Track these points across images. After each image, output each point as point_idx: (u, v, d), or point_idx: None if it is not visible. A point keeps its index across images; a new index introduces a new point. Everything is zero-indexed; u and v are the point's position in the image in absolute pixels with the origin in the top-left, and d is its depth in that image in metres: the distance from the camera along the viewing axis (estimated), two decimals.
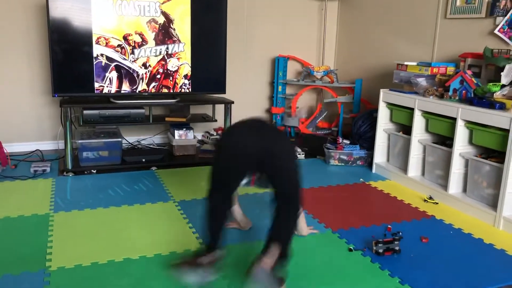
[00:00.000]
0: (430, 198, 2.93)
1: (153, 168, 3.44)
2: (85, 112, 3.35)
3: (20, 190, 2.91)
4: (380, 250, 2.16)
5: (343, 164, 3.63)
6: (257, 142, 1.91)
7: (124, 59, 3.38)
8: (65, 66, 3.26)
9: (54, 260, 2.04)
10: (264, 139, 1.93)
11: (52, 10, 3.14)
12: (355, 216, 2.65)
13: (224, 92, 3.70)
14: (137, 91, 3.48)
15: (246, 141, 1.92)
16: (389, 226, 2.49)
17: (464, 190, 2.84)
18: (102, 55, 3.32)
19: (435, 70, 3.12)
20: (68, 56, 3.25)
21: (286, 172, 1.98)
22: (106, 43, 3.31)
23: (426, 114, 3.03)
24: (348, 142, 3.74)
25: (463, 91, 2.83)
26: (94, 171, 3.30)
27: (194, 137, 3.84)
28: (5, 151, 3.32)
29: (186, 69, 3.57)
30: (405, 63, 3.30)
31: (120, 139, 3.42)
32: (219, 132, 4.21)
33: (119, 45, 3.34)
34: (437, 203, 2.87)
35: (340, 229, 2.46)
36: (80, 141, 3.29)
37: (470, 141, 2.77)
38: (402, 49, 3.80)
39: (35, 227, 2.38)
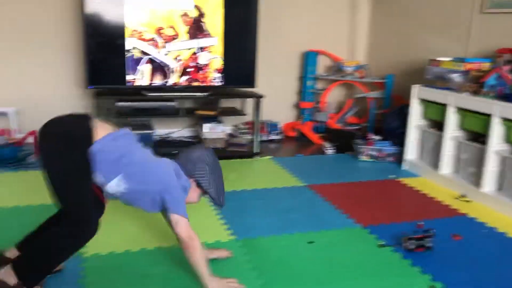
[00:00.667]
0: (463, 196, 2.88)
1: None
2: (117, 104, 3.42)
3: None
4: (412, 247, 2.14)
5: (373, 160, 3.60)
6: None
7: (157, 52, 3.43)
8: (99, 59, 3.33)
9: (89, 247, 2.09)
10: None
11: (87, 4, 3.21)
12: (385, 212, 2.63)
13: (254, 86, 3.72)
14: (168, 84, 3.52)
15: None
16: (420, 223, 2.45)
17: (499, 188, 2.77)
18: (135, 48, 3.37)
19: (469, 66, 3.05)
20: (102, 49, 3.32)
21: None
22: (139, 36, 3.36)
23: (460, 110, 2.97)
24: (378, 138, 3.70)
25: (500, 88, 2.76)
26: None
27: (223, 130, 3.87)
28: None
29: (217, 63, 3.60)
30: (439, 58, 3.23)
31: (151, 131, 3.48)
32: (248, 126, 4.23)
33: (152, 39, 3.39)
34: (470, 201, 2.82)
35: (370, 224, 2.44)
36: None
37: (506, 139, 2.70)
38: (435, 44, 3.73)
39: None
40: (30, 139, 3.39)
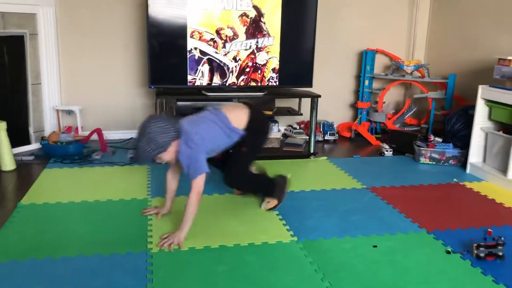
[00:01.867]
0: None
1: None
2: (178, 103, 3.49)
3: (119, 175, 3.10)
4: (482, 254, 2.05)
5: (434, 163, 3.49)
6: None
7: (216, 52, 3.47)
8: (161, 59, 3.41)
9: (155, 243, 2.15)
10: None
11: (151, 5, 3.29)
12: (450, 217, 2.54)
13: (311, 86, 3.69)
14: (227, 84, 3.56)
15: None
16: (489, 229, 2.36)
17: None
18: (195, 48, 3.43)
19: None
20: (164, 49, 3.40)
21: None
22: (200, 37, 3.42)
23: None
24: (440, 140, 3.58)
25: None
26: None
27: (279, 130, 3.87)
28: (104, 138, 3.55)
29: (274, 63, 3.60)
30: (509, 57, 3.09)
31: None
32: (302, 126, 4.21)
33: (211, 39, 3.43)
34: None
35: (436, 230, 2.37)
36: None
37: None
38: (504, 43, 3.56)
39: (136, 210, 2.53)
40: (95, 137, 3.52)
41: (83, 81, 3.87)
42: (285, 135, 4.16)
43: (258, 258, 2.05)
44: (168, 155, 2.21)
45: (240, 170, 2.46)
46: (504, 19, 3.56)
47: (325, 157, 3.65)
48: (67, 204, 2.59)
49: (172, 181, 2.49)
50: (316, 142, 4.07)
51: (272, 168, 3.33)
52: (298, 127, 4.20)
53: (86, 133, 3.62)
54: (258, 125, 2.47)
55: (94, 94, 3.91)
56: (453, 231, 2.36)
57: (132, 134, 4.00)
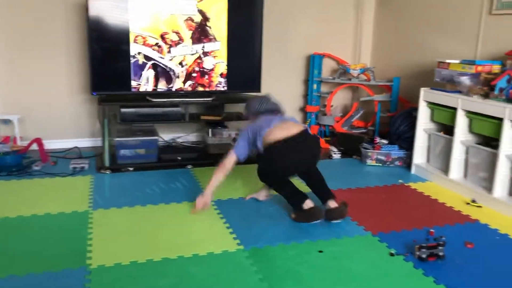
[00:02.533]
0: (473, 201, 2.83)
1: (189, 167, 3.44)
2: (122, 110, 3.38)
3: (60, 186, 2.96)
4: (424, 256, 2.09)
5: (380, 164, 3.55)
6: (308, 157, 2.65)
7: (161, 57, 3.39)
8: (103, 65, 3.30)
9: (94, 258, 2.06)
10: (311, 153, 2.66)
11: (92, 9, 3.18)
12: (395, 219, 2.58)
13: (259, 90, 3.68)
14: (173, 90, 3.49)
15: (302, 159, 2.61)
16: (431, 230, 2.41)
17: (510, 193, 2.72)
18: (139, 53, 3.34)
19: (479, 68, 3.00)
20: (106, 54, 3.29)
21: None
22: (144, 42, 3.33)
23: (470, 114, 2.92)
24: (385, 142, 3.65)
25: (510, 90, 2.71)
26: (131, 169, 3.33)
27: (229, 135, 3.83)
28: (45, 148, 3.39)
29: (222, 68, 3.56)
30: (447, 61, 3.18)
31: (156, 137, 3.44)
32: None
33: (156, 44, 3.35)
34: (481, 207, 2.77)
35: (380, 232, 2.39)
36: (117, 139, 3.33)
37: None
38: (443, 47, 3.68)
39: (75, 224, 2.42)
40: (34, 147, 3.36)
41: (22, 89, 3.69)
42: (235, 140, 4.11)
43: (202, 270, 2.00)
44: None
45: (259, 167, 2.67)
46: (443, 23, 3.67)
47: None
48: (0, 220, 2.44)
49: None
50: None
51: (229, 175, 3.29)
52: None
53: (25, 143, 3.45)
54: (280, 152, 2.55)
55: (34, 102, 3.73)
56: (398, 233, 2.40)
57: (76, 142, 3.86)
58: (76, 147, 3.81)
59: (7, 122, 3.61)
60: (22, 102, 3.70)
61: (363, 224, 2.49)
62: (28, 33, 3.61)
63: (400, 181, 3.21)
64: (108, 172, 3.26)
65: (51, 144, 3.75)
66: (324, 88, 4.48)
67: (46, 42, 3.66)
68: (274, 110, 2.78)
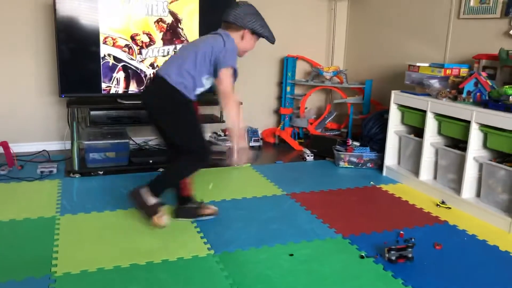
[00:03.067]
0: (443, 202, 2.87)
1: (160, 170, 3.39)
2: (92, 113, 3.32)
3: (26, 191, 2.88)
4: (393, 258, 2.10)
5: (353, 166, 3.57)
6: (143, 99, 2.41)
7: (132, 59, 3.34)
8: (72, 66, 3.23)
9: (59, 265, 2.01)
10: (144, 96, 2.44)
11: (60, 9, 3.10)
12: (366, 221, 2.59)
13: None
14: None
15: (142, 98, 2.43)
16: (401, 232, 2.43)
17: (478, 194, 2.77)
18: (109, 55, 3.28)
19: (448, 71, 3.05)
20: (75, 56, 3.22)
21: (165, 126, 2.34)
22: (114, 43, 3.27)
23: (439, 116, 2.96)
24: (358, 144, 3.68)
25: (478, 94, 2.77)
26: (101, 173, 3.27)
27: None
28: (11, 152, 3.29)
29: None
30: (417, 64, 3.23)
31: (127, 140, 3.39)
32: (227, 133, 4.16)
33: (126, 45, 3.30)
34: (450, 208, 2.81)
35: (351, 234, 2.40)
36: (87, 142, 3.26)
37: (485, 145, 2.70)
38: (414, 50, 3.74)
39: (41, 230, 2.35)
40: (0, 150, 3.26)
41: None
42: (209, 143, 4.09)
43: (172, 276, 1.96)
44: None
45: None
46: (414, 27, 3.73)
47: (249, 164, 3.62)
48: None
49: None
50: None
51: (196, 177, 3.25)
52: (223, 134, 4.15)
53: None
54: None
55: (1, 104, 3.63)
56: (368, 235, 2.41)
57: (44, 146, 3.76)
58: (44, 150, 3.71)
59: None
60: None
61: (334, 226, 2.50)
62: None
63: (372, 183, 3.24)
64: (77, 176, 3.19)
65: (18, 148, 3.65)
66: (297, 91, 4.49)
67: (13, 43, 3.56)
68: None
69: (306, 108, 4.38)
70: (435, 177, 3.10)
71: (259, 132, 4.30)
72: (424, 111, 3.03)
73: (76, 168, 3.22)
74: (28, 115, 3.73)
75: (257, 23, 2.40)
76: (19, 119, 3.70)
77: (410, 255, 2.12)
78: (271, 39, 2.52)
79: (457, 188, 2.85)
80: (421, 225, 2.56)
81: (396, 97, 3.28)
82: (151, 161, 3.46)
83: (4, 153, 3.26)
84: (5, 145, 3.25)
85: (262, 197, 2.91)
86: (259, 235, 2.38)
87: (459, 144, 2.96)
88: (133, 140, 3.88)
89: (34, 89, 3.70)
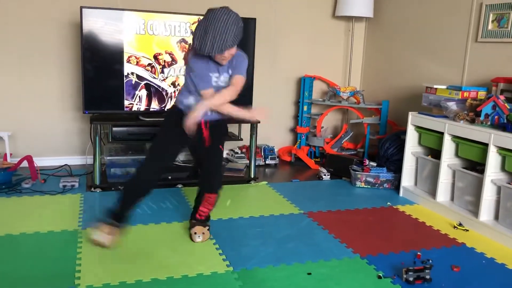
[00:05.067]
0: (460, 224, 2.87)
1: (179, 186, 3.45)
2: (114, 129, 3.40)
3: (49, 205, 2.96)
4: (411, 279, 2.11)
5: (369, 186, 3.59)
6: None
7: (154, 77, 3.43)
8: (96, 84, 3.32)
9: (82, 278, 2.06)
10: None
11: (85, 28, 3.21)
12: (383, 241, 2.61)
13: None
14: (165, 109, 3.52)
15: None
16: (418, 253, 2.44)
17: (496, 217, 2.77)
18: (132, 73, 3.37)
19: (465, 94, 3.08)
20: (99, 73, 3.32)
21: None
22: (137, 62, 3.37)
23: (456, 138, 2.98)
24: (374, 164, 3.70)
25: (496, 117, 2.78)
26: (121, 188, 3.32)
27: None
28: (35, 165, 3.38)
29: None
30: (435, 86, 3.26)
31: None
32: (243, 150, 4.21)
33: (149, 64, 3.39)
34: (468, 230, 2.81)
35: (369, 254, 2.42)
36: (108, 157, 3.34)
37: (503, 168, 2.71)
38: (431, 72, 3.77)
39: (64, 243, 2.41)
40: (25, 164, 3.35)
41: (14, 106, 3.69)
42: (227, 160, 4.15)
43: None
44: (232, 51, 2.25)
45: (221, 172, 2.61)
46: (432, 49, 3.77)
47: (265, 182, 3.67)
48: None
49: None
50: (258, 166, 4.10)
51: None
52: (239, 151, 4.20)
53: (16, 160, 3.44)
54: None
55: (26, 119, 3.74)
56: (385, 256, 2.42)
57: (66, 160, 3.85)
58: (66, 165, 3.80)
59: None
60: (13, 119, 3.70)
61: (352, 246, 2.51)
62: (21, 50, 3.63)
63: (389, 203, 3.25)
64: (98, 190, 3.26)
65: (42, 162, 3.74)
66: (314, 110, 4.54)
67: (39, 60, 3.69)
68: None
69: (322, 127, 4.42)
70: (452, 199, 3.10)
71: (276, 150, 4.35)
72: (442, 133, 3.05)
73: (97, 182, 3.30)
74: (52, 130, 3.83)
75: (195, 34, 2.19)
76: (43, 134, 3.81)
77: (428, 277, 2.13)
78: (200, 50, 2.17)
79: (475, 211, 2.85)
80: (438, 246, 2.57)
81: (413, 119, 3.30)
82: (170, 177, 3.52)
83: (28, 166, 3.35)
84: (29, 159, 3.35)
85: (279, 215, 2.94)
86: (277, 253, 2.40)
87: (476, 166, 2.97)
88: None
89: (58, 105, 3.81)
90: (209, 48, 2.14)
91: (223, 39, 2.13)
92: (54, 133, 3.84)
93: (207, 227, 2.56)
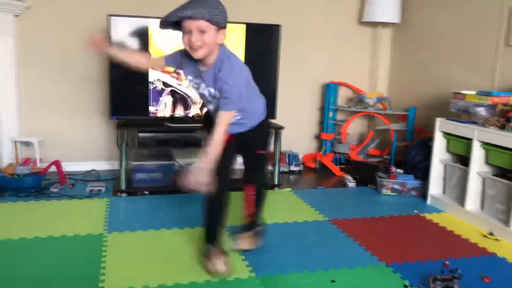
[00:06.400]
0: (491, 233, 2.78)
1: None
2: (140, 134, 3.44)
3: (76, 209, 3.01)
4: None
5: (396, 194, 3.52)
6: None
7: (179, 84, 3.47)
8: (123, 90, 3.38)
9: (107, 282, 2.08)
10: None
11: (113, 35, 3.28)
12: (409, 249, 2.55)
13: (274, 117, 3.71)
14: (190, 115, 3.54)
15: None
16: (446, 262, 2.36)
17: None
18: (158, 80, 3.42)
19: (495, 99, 2.99)
20: (126, 80, 3.37)
21: None
22: (162, 69, 3.41)
23: (486, 145, 2.90)
24: (401, 171, 3.63)
25: None
26: (147, 193, 3.37)
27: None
28: (63, 170, 3.45)
29: None
30: (463, 91, 3.19)
31: (173, 162, 3.49)
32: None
33: (174, 71, 3.43)
34: (499, 240, 2.72)
35: (394, 262, 2.37)
36: (134, 163, 3.38)
37: None
38: (459, 77, 3.69)
39: (90, 246, 2.44)
40: (54, 169, 3.42)
41: (43, 112, 3.79)
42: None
43: None
44: (212, 36, 1.87)
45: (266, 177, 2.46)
46: (460, 54, 3.69)
47: (289, 189, 3.64)
48: (17, 240, 2.48)
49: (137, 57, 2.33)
50: (282, 172, 4.07)
51: (237, 199, 3.30)
52: None
53: (45, 165, 3.52)
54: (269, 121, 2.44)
55: (54, 125, 3.83)
56: (412, 264, 2.37)
57: (94, 165, 3.92)
58: (94, 170, 3.87)
59: (28, 144, 3.70)
60: (44, 125, 3.79)
61: (377, 254, 2.46)
62: (50, 58, 3.73)
63: (415, 211, 3.18)
64: (124, 195, 3.30)
65: (70, 167, 3.81)
66: (340, 116, 4.50)
67: (67, 67, 3.77)
68: None
69: (348, 133, 4.37)
70: (482, 207, 3.01)
71: (300, 156, 4.32)
72: (470, 140, 2.97)
73: (123, 187, 3.34)
74: (80, 135, 3.91)
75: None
76: (71, 139, 3.89)
77: (456, 287, 2.06)
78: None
79: (506, 219, 2.75)
80: (467, 256, 2.49)
81: (441, 125, 3.23)
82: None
83: (57, 171, 3.42)
84: (57, 164, 3.42)
85: (303, 222, 2.92)
86: (300, 259, 2.38)
87: (507, 173, 2.88)
88: (177, 161, 3.98)
89: (86, 111, 3.88)
90: (169, 14, 1.87)
91: (188, 6, 1.82)
92: (83, 139, 3.92)
93: (254, 233, 2.45)
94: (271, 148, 3.74)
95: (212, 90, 2.04)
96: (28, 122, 3.77)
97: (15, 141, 3.63)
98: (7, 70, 3.57)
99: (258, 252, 2.44)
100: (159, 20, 1.95)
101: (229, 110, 1.98)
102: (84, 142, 3.93)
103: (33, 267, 2.20)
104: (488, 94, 3.01)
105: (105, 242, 2.49)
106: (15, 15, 3.57)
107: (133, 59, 2.28)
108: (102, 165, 3.98)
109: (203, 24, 1.84)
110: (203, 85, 2.07)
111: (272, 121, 3.75)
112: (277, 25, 3.62)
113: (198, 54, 1.93)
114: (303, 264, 2.32)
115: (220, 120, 1.98)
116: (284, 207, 3.25)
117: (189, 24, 1.86)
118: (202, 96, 2.15)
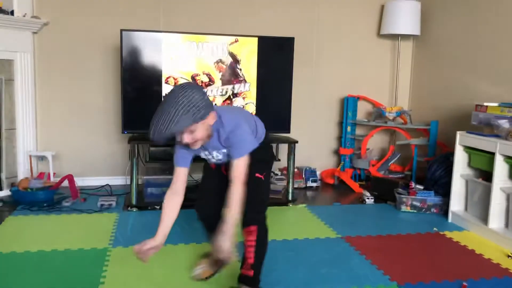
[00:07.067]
0: None
1: None
2: (151, 148, 3.42)
3: (85, 223, 2.99)
4: None
5: (415, 211, 3.36)
6: None
7: None
8: (135, 104, 3.38)
9: None
10: None
11: (125, 50, 3.29)
12: (425, 269, 2.40)
13: (288, 131, 3.64)
14: None
15: None
16: (464, 283, 2.21)
17: None
18: None
19: None
20: (138, 94, 3.37)
21: None
22: (175, 83, 3.40)
23: (509, 159, 2.73)
24: (421, 187, 3.48)
25: None
26: (158, 207, 3.32)
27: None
28: (76, 185, 3.46)
29: (251, 109, 3.56)
30: (485, 104, 3.04)
31: None
32: (284, 172, 4.11)
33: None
34: None
35: (407, 283, 2.22)
36: (145, 177, 3.35)
37: None
38: (481, 89, 3.53)
39: (92, 261, 2.40)
40: (66, 183, 3.43)
41: (59, 127, 3.83)
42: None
43: None
44: (202, 128, 1.82)
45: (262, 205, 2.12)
46: (480, 67, 3.54)
47: (304, 205, 3.53)
48: (21, 254, 2.46)
49: (171, 207, 2.09)
50: (298, 188, 3.98)
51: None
52: (279, 173, 4.11)
53: (58, 179, 3.53)
54: (269, 144, 2.26)
55: (69, 139, 3.86)
56: (426, 284, 2.22)
57: (108, 180, 3.92)
58: (107, 184, 3.87)
59: (42, 158, 3.73)
60: (59, 140, 3.83)
61: (389, 273, 2.32)
62: (67, 73, 3.78)
63: (435, 229, 3.02)
64: (134, 210, 3.27)
65: (84, 181, 3.83)
66: (359, 131, 4.38)
67: (82, 82, 3.82)
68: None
69: (368, 149, 4.24)
70: (506, 225, 2.83)
71: (318, 172, 4.21)
72: (493, 153, 2.81)
73: (134, 202, 3.31)
74: (94, 150, 3.93)
75: None
76: (85, 154, 3.91)
77: None
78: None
79: None
80: (488, 277, 2.32)
81: (462, 138, 3.08)
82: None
83: (69, 186, 3.43)
84: (70, 178, 3.43)
85: (314, 239, 2.80)
86: (307, 278, 2.27)
87: None
88: (191, 176, 3.94)
89: (100, 126, 3.91)
90: (152, 134, 1.83)
91: (169, 120, 1.78)
92: (97, 154, 3.93)
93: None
94: (286, 164, 3.65)
95: (224, 151, 1.98)
96: (44, 136, 3.81)
97: (30, 155, 3.67)
98: (24, 86, 3.63)
99: (265, 270, 2.33)
100: (150, 135, 1.86)
101: (242, 155, 1.89)
102: (99, 157, 3.94)
103: (32, 281, 2.17)
104: (510, 105, 2.85)
105: (108, 257, 2.45)
106: (33, 32, 3.64)
107: (174, 212, 2.13)
108: (117, 180, 3.98)
109: (189, 128, 1.80)
110: (214, 153, 2.02)
111: (286, 135, 3.67)
112: (291, 38, 3.57)
113: (196, 147, 1.91)
114: (310, 282, 2.21)
115: (238, 171, 1.87)
116: (296, 223, 3.14)
117: (179, 134, 1.84)
118: (218, 161, 2.06)
